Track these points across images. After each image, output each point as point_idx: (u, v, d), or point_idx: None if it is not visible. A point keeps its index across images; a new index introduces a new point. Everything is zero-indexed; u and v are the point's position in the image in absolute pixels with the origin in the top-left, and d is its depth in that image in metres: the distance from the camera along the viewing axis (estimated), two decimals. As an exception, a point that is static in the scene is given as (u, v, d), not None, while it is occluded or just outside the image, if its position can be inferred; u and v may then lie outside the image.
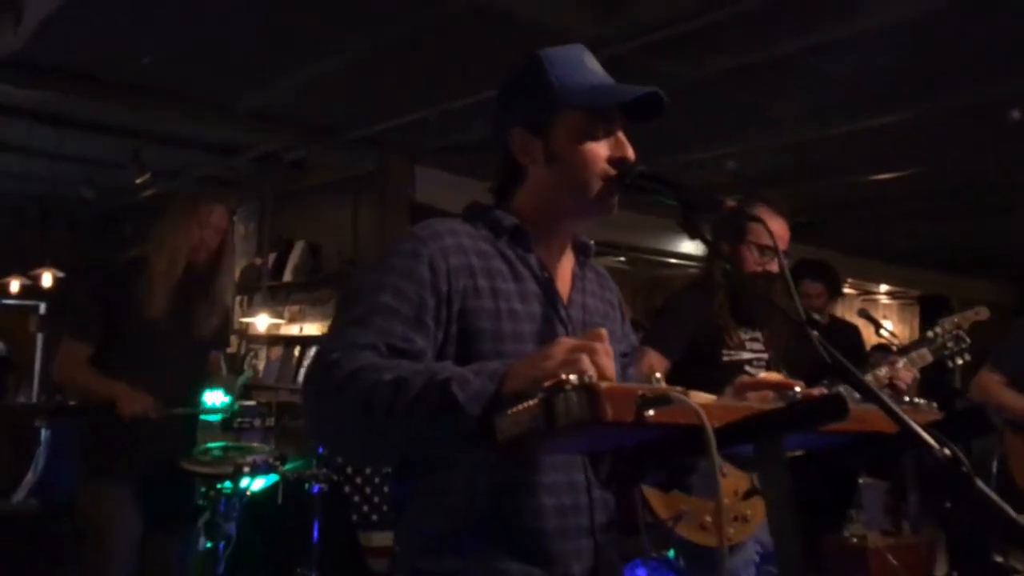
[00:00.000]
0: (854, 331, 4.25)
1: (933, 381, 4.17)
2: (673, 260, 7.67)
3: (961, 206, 6.74)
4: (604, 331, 0.99)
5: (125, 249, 3.08)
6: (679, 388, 0.97)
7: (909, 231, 7.78)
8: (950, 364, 2.59)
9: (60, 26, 3.53)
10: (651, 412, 0.88)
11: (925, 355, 2.57)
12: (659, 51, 3.59)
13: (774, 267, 2.49)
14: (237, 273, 6.87)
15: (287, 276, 6.33)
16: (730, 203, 1.22)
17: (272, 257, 6.47)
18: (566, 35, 3.40)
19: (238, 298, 6.80)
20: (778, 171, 5.82)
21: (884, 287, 10.55)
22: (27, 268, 6.04)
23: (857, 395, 1.07)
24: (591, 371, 0.92)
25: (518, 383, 0.97)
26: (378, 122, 5.00)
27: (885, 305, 11.79)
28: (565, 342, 0.99)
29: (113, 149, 5.59)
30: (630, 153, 1.32)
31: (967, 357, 2.60)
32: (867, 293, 11.00)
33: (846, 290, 10.24)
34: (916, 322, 11.33)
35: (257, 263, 6.59)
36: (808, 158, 5.49)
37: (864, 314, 3.71)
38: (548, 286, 1.35)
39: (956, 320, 2.67)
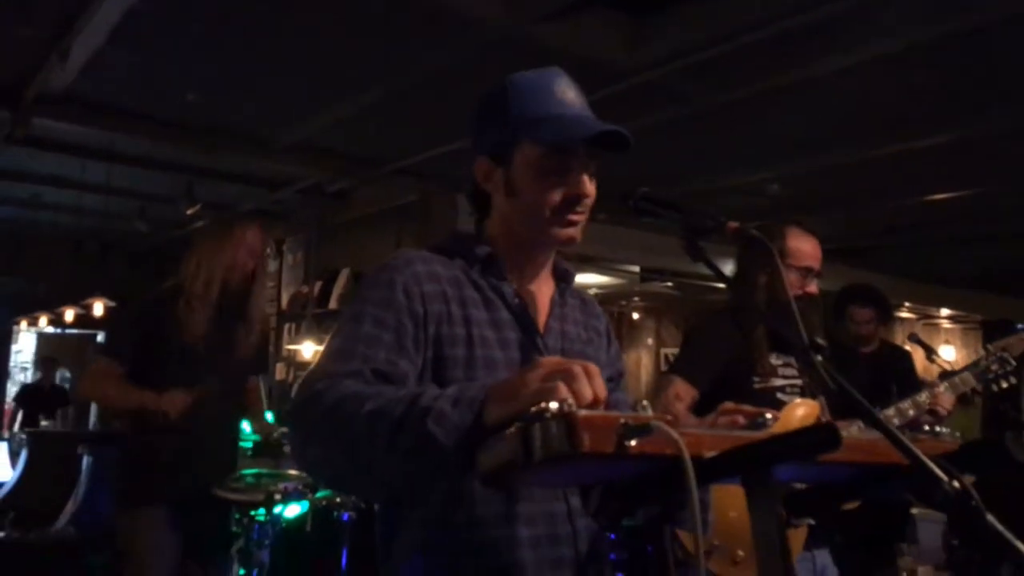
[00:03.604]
0: (905, 356, 4.10)
1: (997, 408, 4.01)
2: (722, 285, 7.53)
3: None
4: (592, 366, 0.96)
5: (166, 278, 3.14)
6: (668, 416, 0.93)
7: (970, 253, 7.54)
8: (994, 388, 2.49)
9: (105, 63, 3.63)
10: (633, 442, 0.84)
11: (968, 379, 2.48)
12: (693, 75, 3.55)
13: (814, 288, 2.43)
14: (285, 300, 7.00)
15: (332, 304, 6.42)
16: (733, 225, 1.18)
17: (318, 285, 6.57)
18: (599, 63, 3.39)
19: (285, 326, 6.91)
20: (824, 194, 5.69)
21: (945, 311, 10.23)
22: (81, 299, 6.23)
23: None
24: (570, 398, 0.88)
25: (498, 411, 0.94)
26: (419, 152, 5.04)
27: (947, 330, 11.43)
28: (545, 363, 0.96)
29: (164, 183, 5.75)
30: (585, 190, 1.29)
31: (1012, 380, 2.49)
32: (927, 317, 10.68)
33: (905, 314, 9.98)
34: (979, 347, 10.95)
35: (303, 291, 6.69)
36: (860, 180, 5.36)
37: (915, 338, 3.59)
38: (522, 314, 1.34)
39: (1010, 341, 2.57)
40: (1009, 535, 0.84)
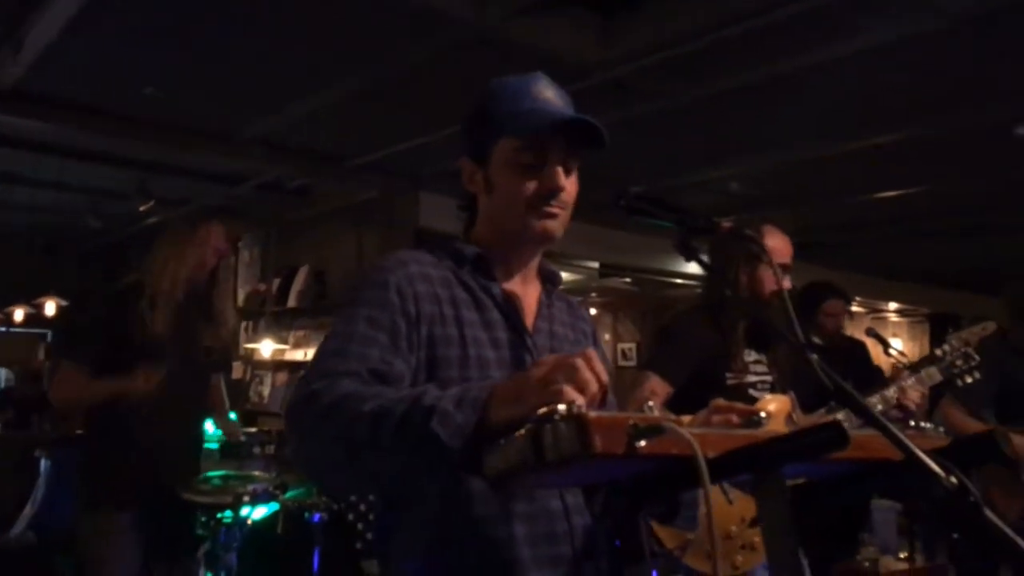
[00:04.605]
0: (862, 349, 4.20)
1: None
2: (679, 281, 7.64)
3: (969, 224, 6.70)
4: (591, 351, 0.97)
5: (125, 276, 3.08)
6: (673, 416, 0.94)
7: (917, 249, 7.75)
8: (959, 383, 2.56)
9: (60, 56, 3.53)
10: (643, 443, 0.84)
11: (933, 374, 2.54)
12: (657, 73, 3.58)
13: (788, 284, 2.48)
14: (242, 298, 6.89)
15: (291, 302, 6.34)
16: (726, 224, 1.19)
17: (276, 283, 6.48)
18: (567, 60, 3.40)
19: (243, 324, 6.81)
20: (782, 191, 5.80)
21: (893, 305, 10.49)
22: (32, 297, 6.07)
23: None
24: (579, 399, 0.89)
25: (503, 411, 0.94)
26: (381, 149, 5.01)
27: (895, 323, 11.72)
28: (545, 361, 0.97)
29: (118, 179, 5.61)
30: (560, 183, 1.31)
31: (976, 375, 2.56)
32: (876, 311, 10.94)
33: (855, 308, 10.20)
34: (926, 340, 11.26)
35: (261, 289, 6.60)
36: (812, 178, 5.47)
37: (872, 333, 3.67)
38: (511, 314, 1.35)
39: (964, 336, 2.64)
40: (1007, 529, 0.87)
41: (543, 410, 0.86)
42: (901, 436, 0.95)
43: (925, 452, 0.95)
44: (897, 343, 10.77)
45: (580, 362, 0.93)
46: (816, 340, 3.26)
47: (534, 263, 1.43)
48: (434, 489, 1.21)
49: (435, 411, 0.96)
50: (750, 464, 0.87)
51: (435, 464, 0.98)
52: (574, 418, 0.84)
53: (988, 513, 0.88)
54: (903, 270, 8.92)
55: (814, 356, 1.05)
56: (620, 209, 1.25)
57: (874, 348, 4.13)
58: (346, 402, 1.04)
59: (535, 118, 1.30)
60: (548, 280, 1.46)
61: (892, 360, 3.98)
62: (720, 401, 1.22)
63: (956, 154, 4.86)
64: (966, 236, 7.09)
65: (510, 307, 1.35)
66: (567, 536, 1.25)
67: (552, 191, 1.30)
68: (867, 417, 0.99)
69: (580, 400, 0.90)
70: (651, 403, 0.91)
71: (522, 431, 0.87)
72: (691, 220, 1.18)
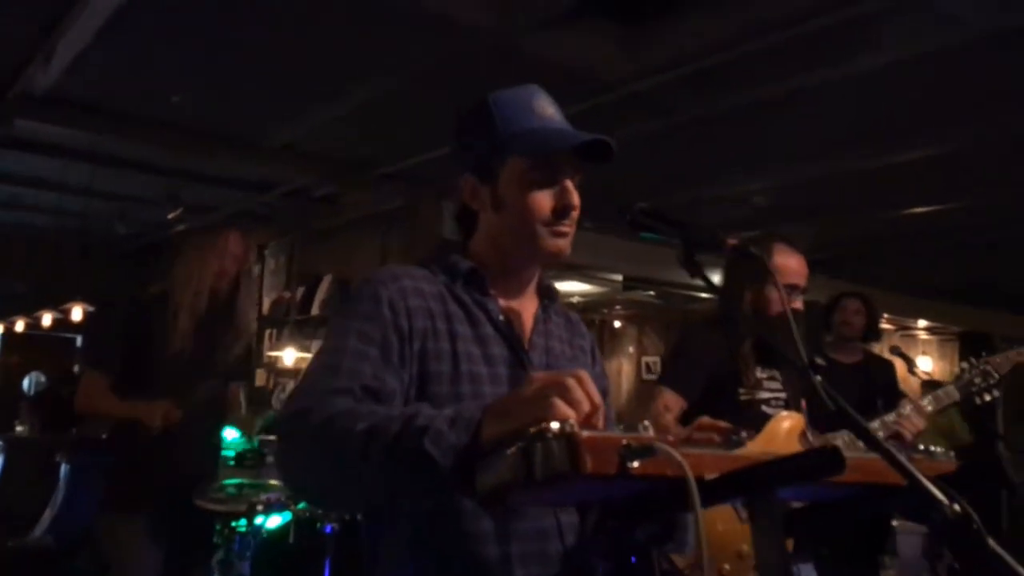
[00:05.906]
0: (888, 368, 4.13)
1: (980, 424, 4.05)
2: (704, 294, 7.57)
3: (1001, 241, 6.57)
4: (584, 372, 0.95)
5: (149, 284, 3.12)
6: (670, 436, 0.93)
7: (948, 266, 7.61)
8: (977, 401, 2.51)
9: (90, 63, 3.59)
10: (635, 464, 0.83)
11: (952, 392, 2.50)
12: (680, 87, 3.56)
13: (799, 305, 2.44)
14: (267, 306, 6.94)
15: (315, 310, 6.37)
16: (732, 241, 1.18)
17: (300, 291, 6.52)
18: (584, 73, 3.39)
19: (266, 331, 6.85)
20: (808, 205, 5.72)
21: (923, 323, 10.32)
22: (60, 302, 6.15)
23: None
24: (571, 416, 0.88)
25: (494, 429, 0.93)
26: (406, 158, 5.02)
27: (924, 341, 11.53)
28: (537, 378, 0.96)
29: (146, 185, 5.68)
30: (574, 201, 1.31)
31: (995, 394, 2.51)
32: (905, 329, 10.77)
33: (884, 325, 10.04)
34: (956, 358, 11.06)
35: (285, 297, 6.64)
36: (839, 192, 5.40)
37: (896, 351, 3.62)
38: (506, 329, 1.34)
39: (997, 359, 2.59)
40: (1011, 560, 0.84)
41: (535, 428, 0.85)
42: (904, 462, 0.94)
43: (931, 478, 0.93)
44: (926, 361, 10.60)
45: (571, 381, 0.92)
46: (820, 361, 3.21)
47: (534, 279, 1.42)
48: (424, 506, 1.20)
49: (428, 431, 0.96)
50: (745, 487, 0.86)
51: (428, 484, 0.98)
52: (565, 436, 0.83)
53: (992, 543, 0.85)
54: (934, 287, 8.78)
55: (818, 378, 1.03)
56: (625, 224, 1.25)
57: (902, 368, 4.06)
58: (339, 421, 1.03)
59: (551, 138, 1.30)
60: (545, 295, 1.45)
61: (915, 378, 3.92)
62: (705, 419, 1.21)
63: (988, 169, 4.78)
64: (997, 253, 6.96)
65: (506, 323, 1.34)
66: (560, 556, 1.23)
67: (567, 208, 1.30)
68: (869, 441, 0.97)
69: (572, 417, 0.89)
70: (646, 422, 0.90)
71: (514, 448, 0.87)
72: (696, 235, 1.16)
